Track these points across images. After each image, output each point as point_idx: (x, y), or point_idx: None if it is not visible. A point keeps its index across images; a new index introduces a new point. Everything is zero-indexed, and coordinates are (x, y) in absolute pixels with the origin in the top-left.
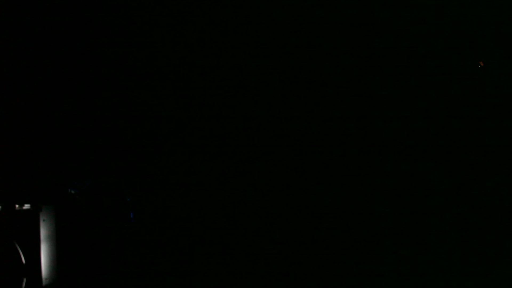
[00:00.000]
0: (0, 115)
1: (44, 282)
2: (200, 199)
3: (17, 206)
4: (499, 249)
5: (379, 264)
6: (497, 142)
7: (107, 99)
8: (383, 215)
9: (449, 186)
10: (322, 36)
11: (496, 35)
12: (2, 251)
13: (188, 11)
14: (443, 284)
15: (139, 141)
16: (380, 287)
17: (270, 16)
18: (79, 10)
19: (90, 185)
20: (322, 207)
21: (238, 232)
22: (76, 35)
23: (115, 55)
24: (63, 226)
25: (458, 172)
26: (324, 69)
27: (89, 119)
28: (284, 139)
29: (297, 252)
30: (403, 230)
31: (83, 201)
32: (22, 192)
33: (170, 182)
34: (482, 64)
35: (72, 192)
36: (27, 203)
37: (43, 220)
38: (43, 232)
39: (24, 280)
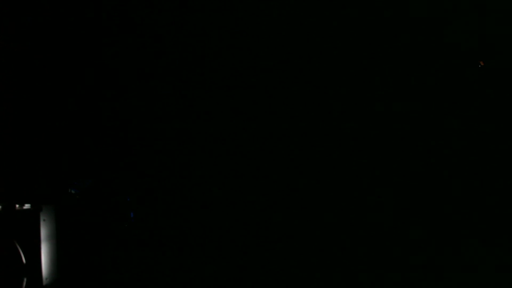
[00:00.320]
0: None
1: (45, 281)
2: (200, 199)
3: (17, 206)
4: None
5: (379, 264)
6: (497, 142)
7: (108, 99)
8: (383, 214)
9: (448, 186)
10: (321, 36)
11: (496, 34)
12: (3, 251)
13: (188, 11)
14: (442, 284)
15: (139, 141)
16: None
17: (269, 16)
18: (79, 10)
19: (90, 185)
20: (321, 207)
21: (238, 232)
22: (77, 34)
23: (115, 55)
24: (63, 226)
25: (461, 172)
26: (323, 68)
27: (89, 119)
28: (283, 139)
29: (297, 252)
30: (403, 229)
31: (84, 201)
32: (22, 192)
33: (170, 182)
34: (482, 64)
35: (73, 192)
36: (27, 203)
37: (44, 220)
38: (44, 232)
39: (25, 279)
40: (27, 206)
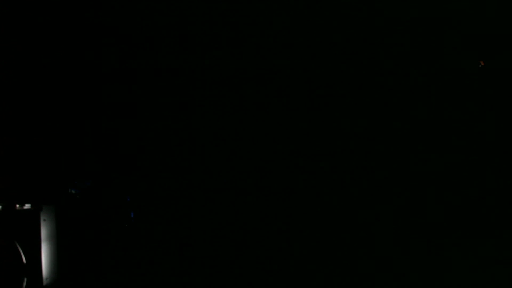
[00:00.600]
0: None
1: (45, 281)
2: (200, 199)
3: (17, 205)
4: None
5: (379, 263)
6: (497, 142)
7: (108, 99)
8: (383, 214)
9: (448, 186)
10: (321, 35)
11: (496, 35)
12: (3, 251)
13: (188, 12)
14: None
15: (139, 141)
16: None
17: (269, 16)
18: (79, 10)
19: (90, 185)
20: (321, 207)
21: (238, 231)
22: (77, 34)
23: (115, 54)
24: (63, 226)
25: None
26: (322, 68)
27: (89, 119)
28: (283, 139)
29: (296, 252)
30: (402, 230)
31: (84, 201)
32: (22, 192)
33: (170, 182)
34: (482, 64)
35: (73, 192)
36: (27, 202)
37: (44, 220)
38: (44, 232)
39: (25, 280)
40: (27, 206)
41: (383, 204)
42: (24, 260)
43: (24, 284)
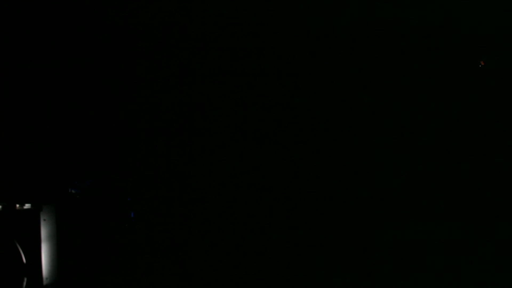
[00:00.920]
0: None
1: (45, 281)
2: (200, 199)
3: (17, 205)
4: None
5: (378, 263)
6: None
7: (108, 99)
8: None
9: (448, 186)
10: (321, 36)
11: (496, 34)
12: (3, 251)
13: (188, 11)
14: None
15: (139, 141)
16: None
17: (269, 15)
18: (79, 9)
19: (90, 184)
20: (320, 207)
21: (238, 231)
22: (78, 34)
23: (115, 54)
24: (63, 226)
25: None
26: (322, 69)
27: (89, 119)
28: (282, 139)
29: (296, 252)
30: (402, 229)
31: (84, 201)
32: (22, 192)
33: (170, 182)
34: (482, 64)
35: (73, 191)
36: (27, 202)
37: (44, 220)
38: (44, 232)
39: (25, 279)
40: (27, 206)
41: (383, 204)
42: (24, 260)
43: (24, 284)
